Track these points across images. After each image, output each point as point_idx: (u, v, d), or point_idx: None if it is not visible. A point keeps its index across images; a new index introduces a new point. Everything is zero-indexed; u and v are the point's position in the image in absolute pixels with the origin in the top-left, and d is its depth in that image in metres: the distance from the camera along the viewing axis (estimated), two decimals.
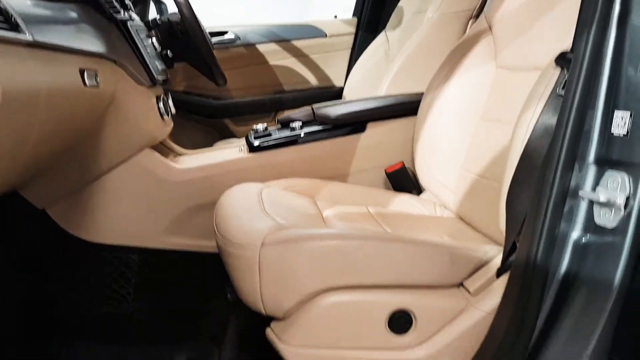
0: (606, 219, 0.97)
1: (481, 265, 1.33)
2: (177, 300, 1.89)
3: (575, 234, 1.02)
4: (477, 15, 2.05)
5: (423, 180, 1.89)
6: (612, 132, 0.97)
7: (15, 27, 1.07)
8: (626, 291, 0.94)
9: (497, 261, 1.31)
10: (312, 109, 2.00)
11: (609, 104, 0.99)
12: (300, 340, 1.27)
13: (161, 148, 1.94)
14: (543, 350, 1.06)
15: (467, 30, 2.09)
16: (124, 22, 1.73)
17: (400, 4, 2.66)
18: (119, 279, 1.84)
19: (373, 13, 3.01)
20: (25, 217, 1.74)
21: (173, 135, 2.07)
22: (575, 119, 0.99)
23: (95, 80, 1.44)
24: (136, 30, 1.78)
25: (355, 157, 1.97)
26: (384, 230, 1.46)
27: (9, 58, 1.02)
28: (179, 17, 1.98)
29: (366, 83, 2.65)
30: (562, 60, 1.20)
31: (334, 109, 1.97)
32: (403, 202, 1.79)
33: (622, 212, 0.94)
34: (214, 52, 2.11)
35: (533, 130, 1.19)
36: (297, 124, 1.95)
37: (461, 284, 1.34)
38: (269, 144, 1.91)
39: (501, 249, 1.32)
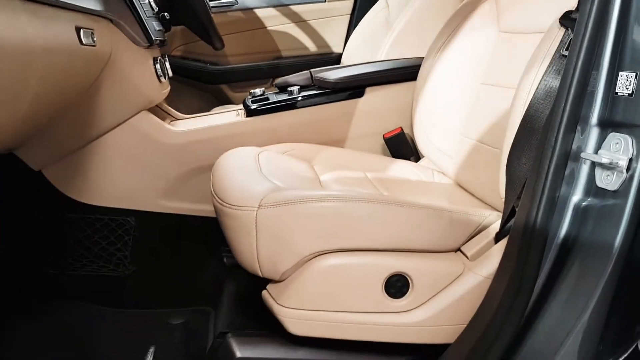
0: (608, 181, 0.96)
1: (479, 230, 1.32)
2: (173, 264, 1.88)
3: (576, 197, 1.01)
4: None
5: (421, 146, 1.87)
6: (616, 92, 0.96)
7: None
8: (626, 255, 0.93)
9: (496, 226, 1.31)
10: (310, 73, 1.98)
11: (614, 64, 0.97)
12: (296, 302, 1.27)
13: (158, 112, 1.93)
14: (540, 314, 1.05)
15: None
16: None
17: None
18: (116, 241, 1.83)
19: None
20: (22, 179, 1.73)
21: (169, 101, 2.06)
22: (579, 80, 0.97)
23: (92, 39, 1.42)
24: None
25: (353, 122, 1.95)
26: (382, 194, 1.45)
27: (2, 10, 1.00)
28: None
29: (365, 49, 2.62)
30: (567, 20, 1.18)
31: (332, 73, 1.94)
32: (401, 168, 1.78)
33: (625, 175, 0.92)
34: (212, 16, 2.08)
35: (535, 92, 1.17)
36: (294, 89, 1.93)
37: (459, 249, 1.33)
38: (266, 107, 1.89)
39: (500, 214, 1.32)
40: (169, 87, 1.99)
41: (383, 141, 1.97)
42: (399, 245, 1.27)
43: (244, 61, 2.92)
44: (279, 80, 2.04)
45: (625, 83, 0.94)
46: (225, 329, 1.43)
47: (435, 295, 1.28)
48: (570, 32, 1.14)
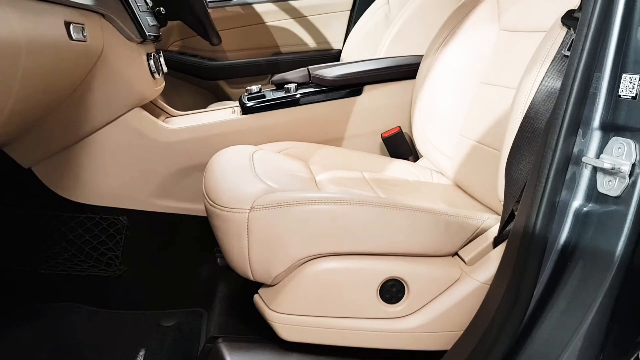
0: (610, 187, 0.93)
1: (477, 234, 1.30)
2: (166, 265, 1.86)
3: (577, 202, 0.99)
4: None
5: (420, 145, 1.84)
6: (619, 95, 0.92)
7: None
8: (628, 263, 0.90)
9: (494, 230, 1.28)
10: (308, 70, 1.95)
11: (617, 66, 0.94)
12: (288, 307, 1.24)
13: (152, 108, 1.90)
14: (539, 322, 1.03)
15: None
16: None
17: None
18: (107, 241, 1.81)
19: None
20: (11, 176, 1.70)
21: (166, 97, 2.03)
22: (580, 81, 0.94)
23: (82, 34, 1.40)
24: None
25: (351, 121, 1.93)
26: (378, 196, 1.42)
27: None
28: None
29: (365, 46, 2.60)
30: (569, 19, 1.14)
31: (330, 71, 1.91)
32: (399, 168, 1.75)
33: (627, 181, 0.90)
34: (209, 10, 2.06)
35: (536, 93, 1.14)
36: (292, 86, 1.90)
37: (456, 253, 1.30)
38: (262, 105, 1.86)
39: (499, 218, 1.29)
40: (164, 84, 1.97)
41: (381, 140, 1.94)
42: (395, 249, 1.24)
43: (242, 57, 2.91)
44: (276, 77, 2.02)
45: (628, 86, 0.91)
46: (217, 334, 1.40)
47: (431, 300, 1.25)
48: (572, 31, 1.11)
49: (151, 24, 1.82)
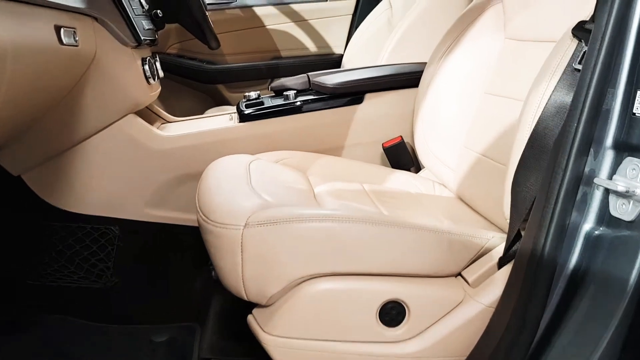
0: (623, 210, 0.88)
1: (482, 253, 1.24)
2: (158, 276, 1.81)
3: (588, 225, 0.94)
4: None
5: (422, 156, 1.80)
6: (634, 113, 0.88)
7: None
8: None
9: (500, 250, 1.23)
10: (308, 77, 1.90)
11: (632, 82, 0.90)
12: (284, 330, 1.18)
13: (147, 114, 1.86)
14: (546, 351, 0.98)
15: None
16: None
17: None
18: (98, 251, 1.76)
19: None
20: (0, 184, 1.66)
21: (163, 101, 1.99)
22: (593, 98, 0.90)
23: (74, 38, 1.36)
24: None
25: (352, 130, 1.88)
26: (379, 211, 1.37)
27: None
28: None
29: (367, 51, 2.57)
30: (580, 31, 1.09)
31: (330, 78, 1.87)
32: (400, 179, 1.70)
33: None
34: (208, 13, 2.03)
35: (544, 108, 1.10)
36: (291, 93, 1.86)
37: (459, 274, 1.25)
38: (260, 112, 1.82)
39: (504, 236, 1.24)
40: (159, 89, 1.92)
41: (382, 150, 1.89)
42: (395, 269, 1.19)
43: (242, 61, 2.88)
44: (275, 83, 1.97)
45: None
46: (209, 355, 1.35)
47: (433, 324, 1.19)
48: (583, 44, 1.07)
49: (147, 27, 1.78)
